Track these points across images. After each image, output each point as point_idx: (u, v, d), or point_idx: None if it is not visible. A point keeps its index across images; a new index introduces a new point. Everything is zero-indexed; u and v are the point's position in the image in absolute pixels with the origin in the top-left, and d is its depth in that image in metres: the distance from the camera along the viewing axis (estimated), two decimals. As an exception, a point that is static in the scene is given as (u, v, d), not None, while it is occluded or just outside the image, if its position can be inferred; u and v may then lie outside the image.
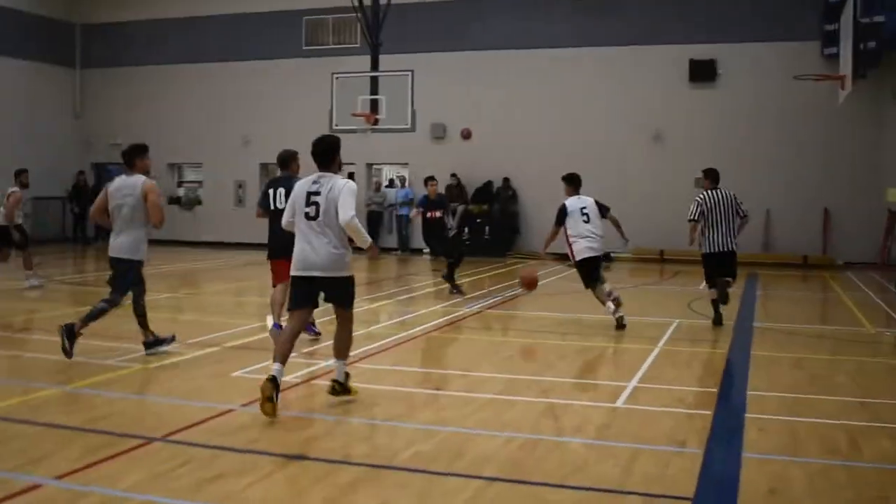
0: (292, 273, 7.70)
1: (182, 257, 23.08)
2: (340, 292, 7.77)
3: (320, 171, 7.76)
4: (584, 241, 12.08)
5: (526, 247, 24.42)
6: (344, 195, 7.54)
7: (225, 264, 21.39)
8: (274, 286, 10.83)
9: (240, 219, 27.30)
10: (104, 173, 28.67)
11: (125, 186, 9.66)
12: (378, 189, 25.87)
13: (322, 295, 7.80)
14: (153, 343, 9.87)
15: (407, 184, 26.01)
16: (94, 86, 29.27)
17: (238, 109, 27.84)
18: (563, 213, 12.23)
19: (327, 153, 7.77)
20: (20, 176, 15.85)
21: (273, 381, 7.37)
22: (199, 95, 28.45)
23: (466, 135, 25.00)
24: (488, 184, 24.62)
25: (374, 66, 22.99)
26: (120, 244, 9.67)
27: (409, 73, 21.18)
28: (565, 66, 23.86)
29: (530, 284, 13.18)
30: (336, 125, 20.78)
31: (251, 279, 18.06)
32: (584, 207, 12.29)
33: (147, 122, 28.40)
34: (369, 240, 7.61)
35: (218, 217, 28.18)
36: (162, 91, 28.68)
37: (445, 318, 12.68)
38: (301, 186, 7.76)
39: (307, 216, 7.66)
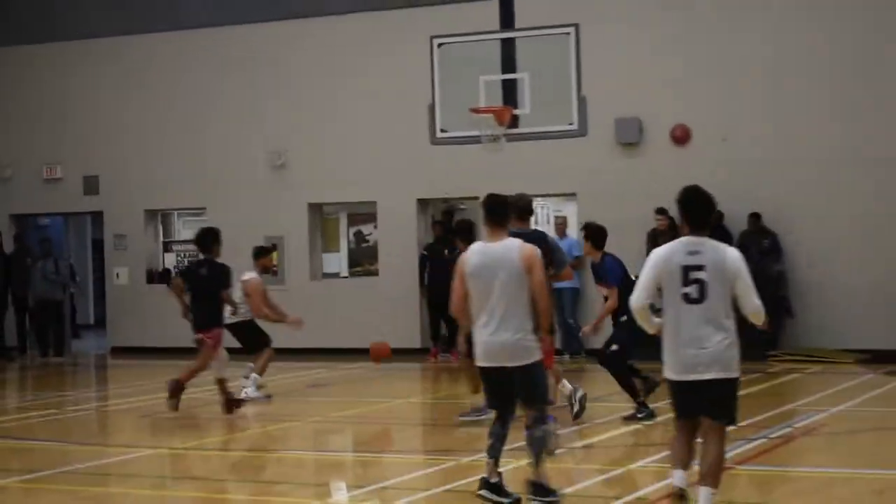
0: (674, 377, 7.68)
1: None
2: (727, 397, 7.65)
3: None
4: None
5: (806, 339, 19.44)
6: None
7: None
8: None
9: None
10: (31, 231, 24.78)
11: None
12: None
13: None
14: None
15: (570, 229, 21.26)
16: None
17: (264, 107, 22.80)
18: None
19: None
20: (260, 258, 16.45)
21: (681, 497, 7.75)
22: (190, 86, 23.38)
23: (681, 136, 20.17)
24: (718, 227, 19.05)
25: (507, 21, 19.43)
26: None
27: (571, 29, 17.51)
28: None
29: (381, 353, 14.26)
30: (442, 130, 18.03)
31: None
32: None
33: (98, 135, 23.94)
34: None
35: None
36: (123, 83, 23.92)
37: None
38: (675, 256, 7.81)
39: (686, 298, 7.64)
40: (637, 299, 7.79)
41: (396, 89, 21.45)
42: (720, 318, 7.53)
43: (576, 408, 12.25)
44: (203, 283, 14.04)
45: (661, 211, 18.82)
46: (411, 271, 20.92)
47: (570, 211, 22.06)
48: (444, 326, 21.23)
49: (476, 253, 8.53)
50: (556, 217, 22.31)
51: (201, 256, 14.27)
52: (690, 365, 7.58)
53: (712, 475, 7.65)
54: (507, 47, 18.55)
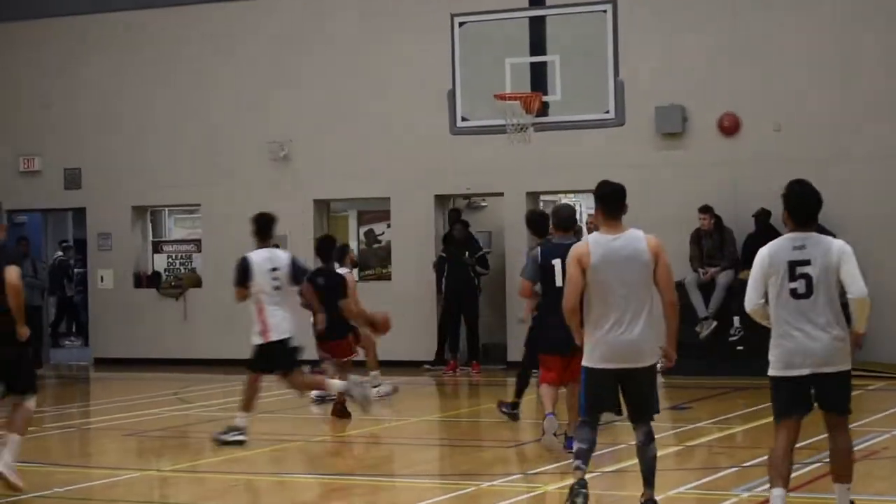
0: (781, 373, 8.24)
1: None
2: (844, 388, 8.33)
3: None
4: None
5: (864, 352, 18.17)
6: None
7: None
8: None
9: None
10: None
11: None
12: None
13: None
14: None
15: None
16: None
17: (266, 93, 22.96)
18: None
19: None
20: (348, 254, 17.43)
21: None
22: (184, 69, 23.57)
23: (729, 127, 20.17)
24: (766, 227, 19.18)
25: None
26: None
27: (608, 7, 17.77)
28: None
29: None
30: (463, 119, 18.25)
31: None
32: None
33: (80, 123, 24.09)
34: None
35: (232, 309, 21.79)
36: (109, 65, 24.11)
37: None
38: (780, 252, 8.34)
39: (794, 293, 8.21)
40: (750, 301, 8.34)
41: (413, 73, 21.58)
42: (829, 313, 8.09)
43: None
44: (321, 293, 15.01)
45: (705, 209, 18.99)
46: (427, 275, 21.03)
47: None
48: (458, 337, 21.41)
49: (599, 245, 8.64)
50: (589, 216, 22.22)
51: (319, 264, 15.66)
52: (800, 361, 8.13)
53: (847, 469, 8.30)
54: (537, 27, 18.57)
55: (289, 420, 15.15)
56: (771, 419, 8.78)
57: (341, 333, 15.61)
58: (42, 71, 24.70)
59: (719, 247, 19.82)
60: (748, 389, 16.91)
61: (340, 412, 14.83)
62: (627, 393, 8.71)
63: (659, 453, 9.05)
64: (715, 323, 18.63)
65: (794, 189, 8.37)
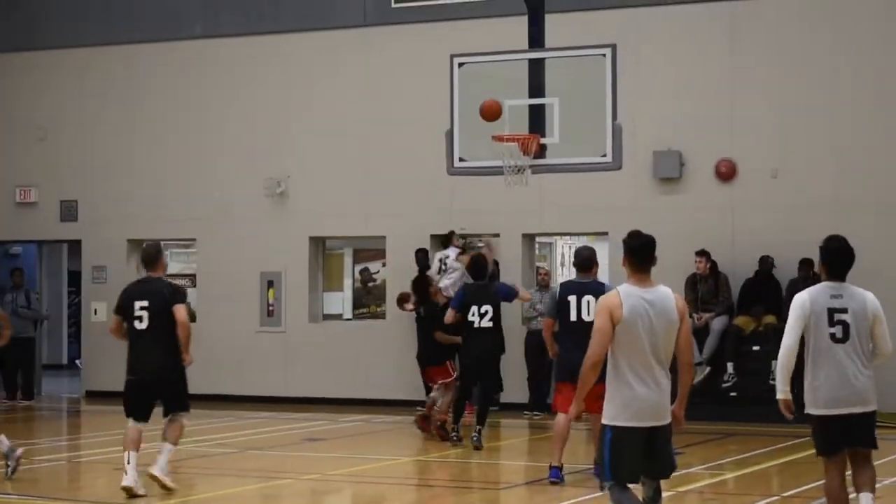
0: (825, 412, 8.83)
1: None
2: (873, 426, 9.03)
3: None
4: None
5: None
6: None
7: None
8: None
9: (269, 348, 22.60)
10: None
11: None
12: (546, 286, 20.78)
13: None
14: None
15: (601, 272, 20.25)
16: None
17: (263, 129, 22.79)
18: None
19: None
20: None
21: None
22: (182, 103, 23.40)
23: (726, 172, 20.13)
24: (766, 274, 19.58)
25: (536, 40, 18.72)
26: None
27: (607, 51, 17.10)
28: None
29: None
30: (460, 160, 17.47)
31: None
32: None
33: (77, 156, 24.00)
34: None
35: (225, 345, 22.78)
36: (107, 99, 23.97)
37: None
38: (820, 298, 9.03)
39: (833, 338, 8.90)
40: (787, 345, 8.89)
41: (411, 112, 21.54)
42: (863, 356, 8.88)
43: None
44: (423, 323, 17.41)
45: (701, 253, 18.86)
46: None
47: (602, 252, 21.48)
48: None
49: (631, 296, 8.47)
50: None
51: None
52: (841, 400, 8.81)
53: (872, 482, 8.98)
54: (536, 69, 18.14)
55: (279, 457, 15.07)
56: (761, 466, 8.98)
57: (444, 357, 16.99)
58: (40, 102, 24.58)
59: (714, 292, 19.73)
60: (740, 435, 16.85)
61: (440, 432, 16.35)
62: (650, 451, 8.46)
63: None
64: (709, 368, 18.52)
65: (831, 244, 9.24)
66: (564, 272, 25.58)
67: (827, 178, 20.02)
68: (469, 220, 20.99)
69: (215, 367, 22.61)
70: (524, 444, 17.46)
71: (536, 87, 17.84)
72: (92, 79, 24.26)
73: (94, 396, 22.98)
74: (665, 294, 8.74)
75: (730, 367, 18.54)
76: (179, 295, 12.74)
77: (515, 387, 19.27)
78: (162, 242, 24.63)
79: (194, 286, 23.76)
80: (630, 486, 8.53)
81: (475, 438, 15.78)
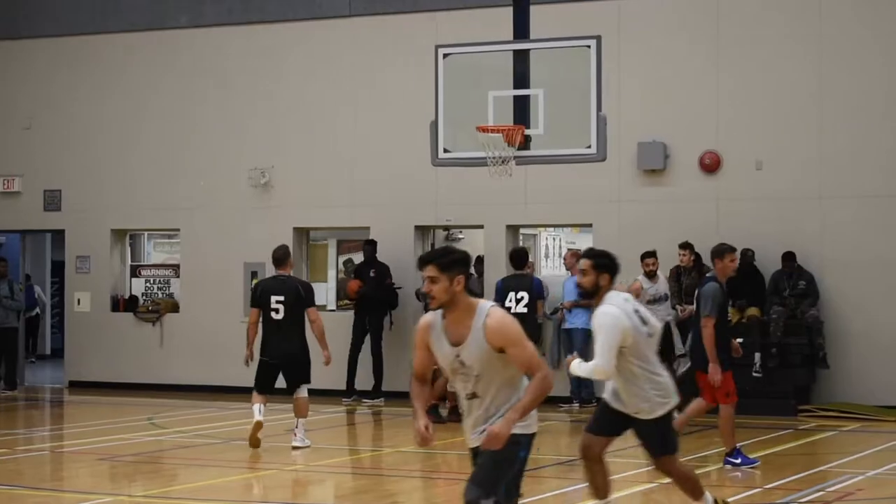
0: None
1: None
2: None
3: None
4: None
5: (841, 394, 19.59)
6: None
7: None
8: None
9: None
10: None
11: None
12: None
13: None
14: None
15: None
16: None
17: (247, 119, 22.68)
18: None
19: None
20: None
21: None
22: (166, 93, 23.28)
23: (711, 164, 20.13)
24: (748, 267, 19.36)
25: (521, 31, 18.53)
26: None
27: (592, 42, 16.92)
28: None
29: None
30: (445, 151, 17.42)
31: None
32: None
33: (61, 145, 23.84)
34: None
35: (208, 335, 22.77)
36: (91, 88, 23.82)
37: None
38: None
39: None
40: None
41: (395, 103, 21.51)
42: None
43: None
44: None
45: (685, 245, 18.78)
46: (408, 306, 20.87)
47: (585, 244, 21.95)
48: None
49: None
50: (569, 250, 22.23)
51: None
52: None
53: None
54: (521, 60, 17.92)
55: (263, 447, 15.06)
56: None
57: None
58: (24, 92, 24.44)
59: (698, 284, 19.26)
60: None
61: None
62: None
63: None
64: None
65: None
66: (548, 263, 25.64)
67: (811, 171, 20.04)
68: (453, 211, 20.96)
69: (199, 358, 22.84)
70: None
71: (521, 77, 17.76)
72: (77, 68, 24.13)
73: (78, 386, 22.94)
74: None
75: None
76: (312, 295, 15.16)
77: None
78: (146, 232, 25.15)
79: (178, 276, 23.76)
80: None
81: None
